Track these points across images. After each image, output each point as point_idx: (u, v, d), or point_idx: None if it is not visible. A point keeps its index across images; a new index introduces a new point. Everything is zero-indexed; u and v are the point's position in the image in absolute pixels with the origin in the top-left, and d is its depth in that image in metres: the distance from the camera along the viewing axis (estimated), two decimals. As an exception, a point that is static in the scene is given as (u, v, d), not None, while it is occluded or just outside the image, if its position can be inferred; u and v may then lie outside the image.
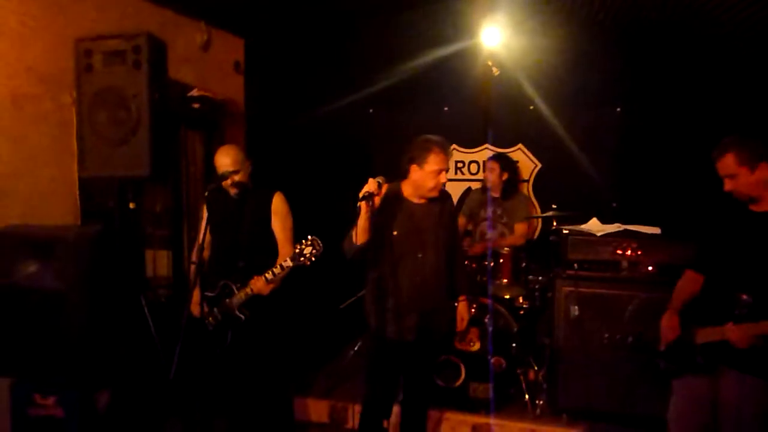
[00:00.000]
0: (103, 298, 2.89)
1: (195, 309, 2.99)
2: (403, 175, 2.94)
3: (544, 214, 4.44)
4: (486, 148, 5.13)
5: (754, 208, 2.45)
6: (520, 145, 5.08)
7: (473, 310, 3.76)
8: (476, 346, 3.66)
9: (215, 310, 3.11)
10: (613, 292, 3.48)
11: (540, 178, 5.05)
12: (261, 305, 3.06)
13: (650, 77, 4.57)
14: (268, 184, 3.23)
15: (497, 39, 4.53)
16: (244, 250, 3.10)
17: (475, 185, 5.00)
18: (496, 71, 4.73)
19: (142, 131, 2.91)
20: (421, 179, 2.84)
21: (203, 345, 3.06)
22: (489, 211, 4.46)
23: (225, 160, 3.06)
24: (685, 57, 4.42)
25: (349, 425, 3.73)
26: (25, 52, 3.17)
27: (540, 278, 4.11)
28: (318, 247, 2.86)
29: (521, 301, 4.10)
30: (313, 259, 2.87)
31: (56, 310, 2.79)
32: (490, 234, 4.42)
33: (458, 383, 3.63)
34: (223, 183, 3.06)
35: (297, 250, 2.88)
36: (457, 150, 5.09)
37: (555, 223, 4.13)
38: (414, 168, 2.86)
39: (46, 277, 2.81)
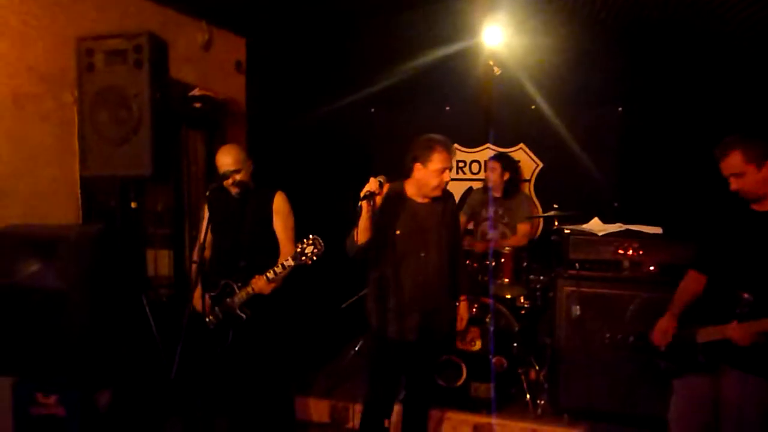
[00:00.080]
0: (104, 297, 2.89)
1: (197, 304, 2.99)
2: (406, 174, 2.94)
3: (546, 214, 4.43)
4: (487, 148, 5.13)
5: (755, 207, 2.45)
6: (521, 145, 5.07)
7: (474, 310, 3.76)
8: (477, 346, 3.65)
9: (216, 309, 3.11)
10: (615, 292, 3.48)
11: (541, 178, 5.05)
12: (262, 305, 3.06)
13: (652, 76, 4.56)
14: (269, 183, 3.23)
15: (498, 38, 4.52)
16: (245, 250, 3.10)
17: (477, 185, 4.99)
18: (497, 71, 4.73)
19: (143, 131, 2.90)
20: (425, 178, 2.85)
21: (204, 344, 3.07)
22: (490, 210, 4.46)
23: (226, 159, 3.06)
24: (687, 56, 4.41)
25: (350, 425, 3.73)
26: (26, 52, 3.17)
27: (541, 278, 4.11)
28: (319, 247, 2.86)
29: (522, 300, 4.09)
30: (315, 258, 2.87)
31: (58, 310, 2.79)
32: (492, 234, 4.42)
33: (459, 383, 3.63)
34: (225, 182, 3.07)
35: (298, 250, 2.88)
36: (459, 149, 5.08)
37: (556, 223, 4.12)
38: (418, 166, 2.86)
39: (48, 277, 2.81)
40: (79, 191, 3.41)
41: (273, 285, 3.03)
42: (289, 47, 4.93)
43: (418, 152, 2.85)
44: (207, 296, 3.08)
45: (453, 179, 2.97)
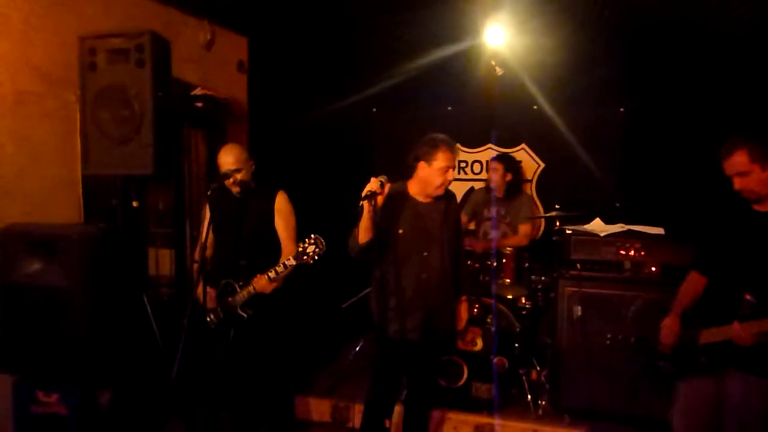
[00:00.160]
0: (105, 296, 2.89)
1: (200, 296, 3.00)
2: (409, 173, 2.95)
3: (548, 215, 4.43)
4: (489, 148, 5.13)
5: (757, 208, 2.44)
6: (523, 145, 5.07)
7: (476, 310, 3.76)
8: (479, 346, 3.65)
9: (218, 308, 3.11)
10: (616, 292, 3.48)
11: (543, 178, 5.04)
12: (263, 304, 3.06)
13: (654, 77, 4.56)
14: (271, 183, 3.23)
15: (501, 39, 4.52)
16: (246, 249, 3.10)
17: (478, 185, 4.99)
18: (499, 71, 4.73)
19: (145, 130, 2.90)
20: (429, 176, 2.86)
21: (205, 344, 3.07)
22: (493, 211, 4.45)
23: (228, 158, 3.06)
24: (689, 56, 4.41)
25: (351, 424, 3.73)
26: (29, 51, 3.17)
27: (543, 278, 4.10)
28: (321, 246, 2.86)
29: (524, 301, 4.09)
30: (316, 257, 2.87)
31: (59, 309, 2.79)
32: (493, 234, 4.41)
33: (461, 383, 3.63)
34: (226, 182, 3.07)
35: (300, 249, 2.88)
36: (460, 149, 5.07)
37: (558, 223, 4.12)
38: (422, 165, 2.87)
39: (49, 276, 2.81)
40: (80, 190, 3.41)
41: (274, 284, 3.03)
42: (292, 47, 4.93)
43: (422, 151, 2.86)
44: (214, 292, 3.08)
45: (454, 179, 2.96)
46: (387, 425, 2.95)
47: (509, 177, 4.41)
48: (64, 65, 3.25)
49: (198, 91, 4.09)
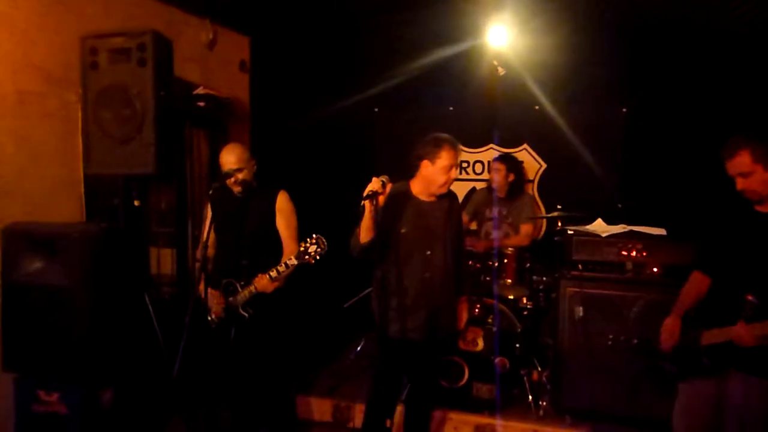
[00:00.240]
0: (107, 295, 2.89)
1: (201, 293, 3.00)
2: (412, 172, 2.95)
3: (549, 215, 4.42)
4: (491, 148, 5.12)
5: (760, 208, 2.43)
6: (525, 145, 5.06)
7: (477, 310, 3.76)
8: (480, 347, 3.65)
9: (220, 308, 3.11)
10: (618, 293, 3.47)
11: (545, 179, 5.04)
12: (265, 304, 3.06)
13: (656, 77, 4.55)
14: (272, 182, 3.23)
15: (503, 39, 4.51)
16: (248, 249, 3.10)
17: (480, 185, 4.99)
18: (501, 71, 4.72)
19: (147, 129, 2.90)
20: (432, 175, 2.87)
21: (207, 343, 3.07)
22: (495, 211, 4.45)
23: (230, 158, 3.06)
24: (692, 56, 4.39)
25: (352, 424, 3.73)
26: (31, 50, 3.17)
27: (544, 279, 4.10)
28: (322, 246, 2.86)
29: (525, 301, 4.08)
30: (318, 257, 2.87)
31: (60, 308, 2.79)
32: (495, 234, 4.41)
33: (462, 383, 3.63)
34: (228, 181, 3.07)
35: (301, 249, 2.88)
36: (462, 150, 5.05)
37: (560, 224, 4.12)
38: (425, 164, 2.88)
39: (51, 275, 2.82)
40: (82, 189, 3.41)
41: (276, 284, 3.02)
42: (294, 47, 4.92)
43: (425, 150, 2.87)
44: (218, 293, 3.09)
45: (456, 179, 2.97)
46: (388, 425, 2.95)
47: (512, 177, 4.40)
48: (65, 65, 3.25)
49: (200, 91, 4.09)
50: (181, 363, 2.62)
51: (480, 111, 5.06)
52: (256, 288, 3.01)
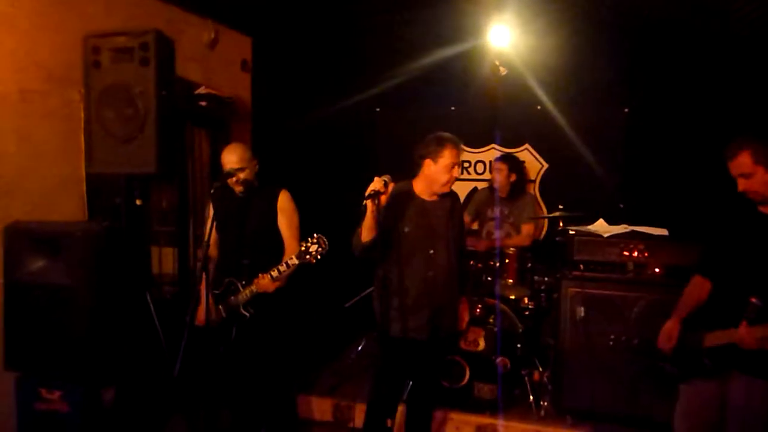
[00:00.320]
0: (109, 294, 2.89)
1: (200, 316, 3.00)
2: (415, 171, 2.96)
3: (551, 215, 4.42)
4: (492, 148, 5.12)
5: (763, 209, 2.43)
6: (526, 145, 5.06)
7: (478, 310, 3.76)
8: (481, 347, 3.65)
9: (220, 307, 3.11)
10: (619, 293, 3.47)
11: (546, 179, 5.04)
12: (266, 303, 3.06)
13: (658, 77, 4.54)
14: (274, 182, 3.23)
15: (505, 39, 4.51)
16: (249, 248, 3.10)
17: (481, 185, 4.99)
18: (503, 71, 4.72)
19: (149, 128, 2.90)
20: (435, 173, 2.87)
21: (208, 342, 3.07)
22: (496, 210, 4.45)
23: (231, 157, 3.07)
24: (694, 57, 4.39)
25: (352, 424, 3.73)
26: (34, 49, 3.18)
27: (546, 279, 4.10)
28: (324, 245, 2.86)
29: (526, 301, 4.09)
30: (319, 257, 2.87)
31: (62, 306, 2.79)
32: (497, 234, 4.41)
33: (463, 383, 3.63)
34: (229, 181, 3.07)
35: (303, 248, 2.88)
36: (464, 150, 5.06)
37: (561, 224, 4.11)
38: (428, 163, 2.88)
39: (53, 273, 2.82)
40: (84, 188, 3.41)
41: (277, 283, 3.02)
42: (295, 46, 4.93)
43: (428, 149, 2.88)
44: (210, 296, 3.09)
45: (457, 179, 2.97)
46: (389, 425, 2.95)
47: (513, 177, 4.41)
48: (67, 64, 3.25)
49: (202, 90, 4.09)
50: (182, 362, 2.62)
51: (481, 111, 5.06)
52: (257, 288, 3.01)
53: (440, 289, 2.94)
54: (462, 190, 5.02)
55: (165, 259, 4.10)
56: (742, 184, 2.39)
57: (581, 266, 3.60)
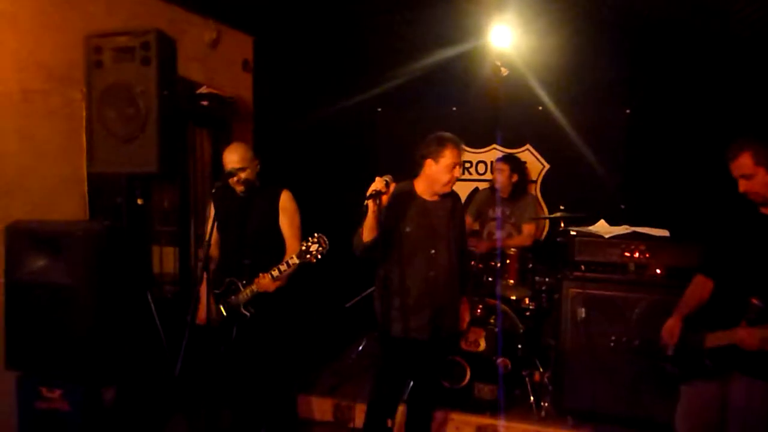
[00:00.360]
0: (110, 293, 2.89)
1: (201, 315, 3.00)
2: (416, 171, 2.96)
3: (552, 215, 4.42)
4: (494, 149, 5.12)
5: (764, 211, 2.43)
6: (527, 146, 5.06)
7: (479, 310, 3.76)
8: (482, 347, 3.65)
9: (221, 307, 3.12)
10: (620, 294, 3.47)
11: (548, 179, 5.04)
12: (266, 303, 3.06)
13: (660, 78, 4.54)
14: (275, 181, 3.23)
15: (506, 39, 4.51)
16: (250, 248, 3.10)
17: (483, 185, 4.99)
18: (504, 71, 4.72)
19: (150, 128, 2.91)
20: (436, 173, 2.88)
21: (208, 342, 3.07)
22: (498, 211, 4.45)
23: (233, 157, 3.07)
24: (696, 57, 4.39)
25: (353, 424, 3.73)
26: (36, 48, 3.18)
27: (547, 279, 4.10)
28: (324, 245, 2.86)
29: (527, 302, 4.08)
30: (320, 256, 2.87)
31: (63, 306, 2.80)
32: (498, 234, 4.41)
33: (463, 384, 3.63)
34: (230, 180, 3.07)
35: (303, 248, 2.88)
36: (465, 150, 5.06)
37: (563, 225, 4.11)
38: (429, 162, 2.89)
39: (54, 273, 2.82)
40: (85, 188, 3.42)
41: (278, 283, 3.03)
42: (297, 46, 4.93)
43: (429, 149, 2.89)
44: (211, 296, 3.09)
45: (459, 180, 2.98)
46: (389, 425, 2.95)
47: (515, 178, 4.41)
48: (69, 63, 3.26)
49: (203, 90, 4.09)
50: (183, 362, 2.62)
51: (483, 111, 5.06)
52: (258, 287, 3.01)
53: (441, 289, 2.94)
54: (463, 190, 5.02)
55: (166, 259, 4.10)
56: (743, 185, 2.39)
57: (582, 267, 3.59)
